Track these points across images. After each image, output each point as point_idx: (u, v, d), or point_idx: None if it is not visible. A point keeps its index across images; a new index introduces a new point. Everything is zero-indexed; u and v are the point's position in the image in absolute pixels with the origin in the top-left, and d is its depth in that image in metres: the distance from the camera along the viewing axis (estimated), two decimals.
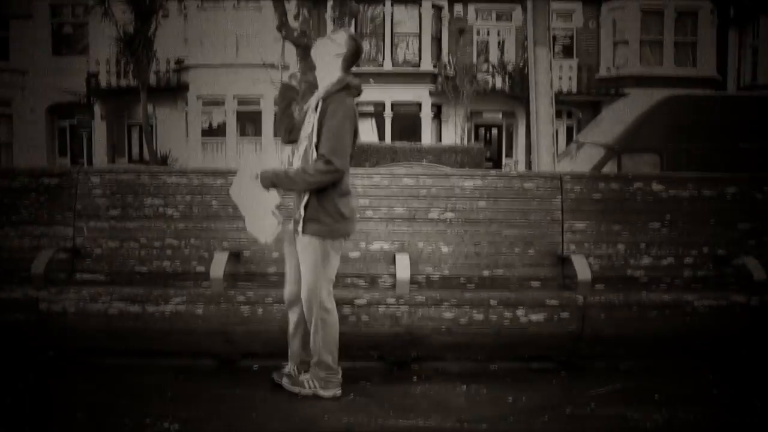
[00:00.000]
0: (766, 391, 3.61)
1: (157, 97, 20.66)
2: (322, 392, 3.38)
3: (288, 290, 3.50)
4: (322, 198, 3.25)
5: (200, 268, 4.06)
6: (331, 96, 3.28)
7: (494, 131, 23.34)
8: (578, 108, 22.01)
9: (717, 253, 4.16)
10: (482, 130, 23.22)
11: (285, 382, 3.49)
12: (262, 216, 3.24)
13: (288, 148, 3.50)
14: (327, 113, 3.22)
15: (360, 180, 4.15)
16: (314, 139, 3.24)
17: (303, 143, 3.35)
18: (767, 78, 20.14)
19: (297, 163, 3.33)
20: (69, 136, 22.55)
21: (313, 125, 3.27)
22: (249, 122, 21.30)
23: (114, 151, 22.05)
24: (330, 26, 16.47)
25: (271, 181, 3.21)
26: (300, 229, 3.28)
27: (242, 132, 21.25)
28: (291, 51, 15.65)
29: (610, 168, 8.13)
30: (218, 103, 20.95)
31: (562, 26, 22.16)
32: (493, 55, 22.25)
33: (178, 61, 21.08)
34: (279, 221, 3.26)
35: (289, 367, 3.54)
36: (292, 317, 3.50)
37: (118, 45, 18.44)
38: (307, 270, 3.29)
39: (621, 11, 21.55)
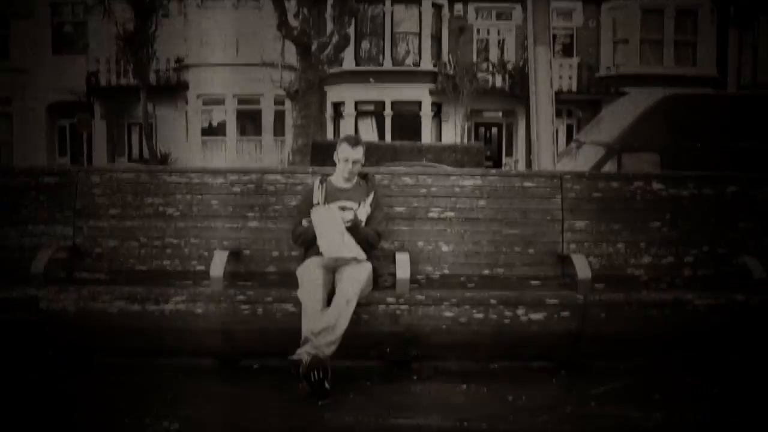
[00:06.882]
0: (766, 390, 3.61)
1: (157, 96, 20.64)
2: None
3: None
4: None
5: (200, 267, 4.06)
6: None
7: (494, 130, 23.33)
8: (578, 107, 22.00)
9: (717, 252, 4.16)
10: (482, 129, 23.22)
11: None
12: (339, 238, 3.71)
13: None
14: (380, 203, 4.01)
15: None
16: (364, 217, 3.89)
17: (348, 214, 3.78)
18: (767, 77, 20.14)
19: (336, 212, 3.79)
20: (69, 135, 22.53)
21: (366, 211, 3.91)
22: (249, 121, 21.30)
23: (114, 150, 22.05)
24: (330, 25, 16.46)
25: (359, 229, 3.81)
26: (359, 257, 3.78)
27: (242, 131, 21.24)
28: (291, 50, 15.64)
29: (610, 167, 8.11)
30: (218, 102, 20.95)
31: (563, 25, 22.15)
32: (493, 54, 22.26)
33: (178, 60, 21.08)
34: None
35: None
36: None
37: (118, 44, 18.45)
38: (359, 279, 3.64)
39: (621, 10, 21.54)
